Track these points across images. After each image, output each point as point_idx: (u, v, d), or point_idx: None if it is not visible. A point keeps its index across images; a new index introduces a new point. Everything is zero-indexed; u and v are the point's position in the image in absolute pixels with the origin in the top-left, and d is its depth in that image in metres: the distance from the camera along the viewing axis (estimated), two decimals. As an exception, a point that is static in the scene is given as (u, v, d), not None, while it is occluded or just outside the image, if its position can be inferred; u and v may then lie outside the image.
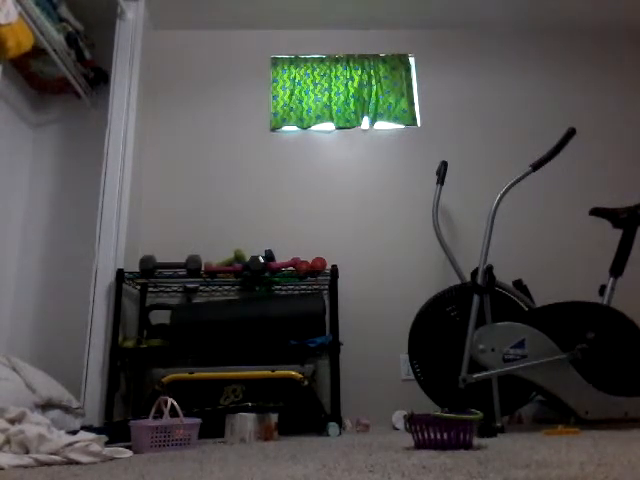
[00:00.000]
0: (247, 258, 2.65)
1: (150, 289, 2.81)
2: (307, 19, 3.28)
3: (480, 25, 3.37)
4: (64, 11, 2.69)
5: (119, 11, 2.93)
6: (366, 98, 3.21)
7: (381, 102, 3.21)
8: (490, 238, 2.25)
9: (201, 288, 2.84)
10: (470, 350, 2.09)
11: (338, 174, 3.11)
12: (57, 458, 1.33)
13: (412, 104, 3.24)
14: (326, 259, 2.68)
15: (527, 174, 2.28)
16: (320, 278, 2.67)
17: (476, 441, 1.65)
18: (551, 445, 1.49)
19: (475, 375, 2.05)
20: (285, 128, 3.19)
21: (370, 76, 3.25)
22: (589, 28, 3.40)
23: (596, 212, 2.37)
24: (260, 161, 3.12)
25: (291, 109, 3.18)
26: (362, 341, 2.84)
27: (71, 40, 2.72)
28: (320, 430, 2.25)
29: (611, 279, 2.25)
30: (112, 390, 2.41)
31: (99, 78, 3.03)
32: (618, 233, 2.29)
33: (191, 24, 3.29)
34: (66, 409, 2.07)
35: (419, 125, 3.22)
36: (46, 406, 1.94)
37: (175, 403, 1.72)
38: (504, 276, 2.45)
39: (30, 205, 2.97)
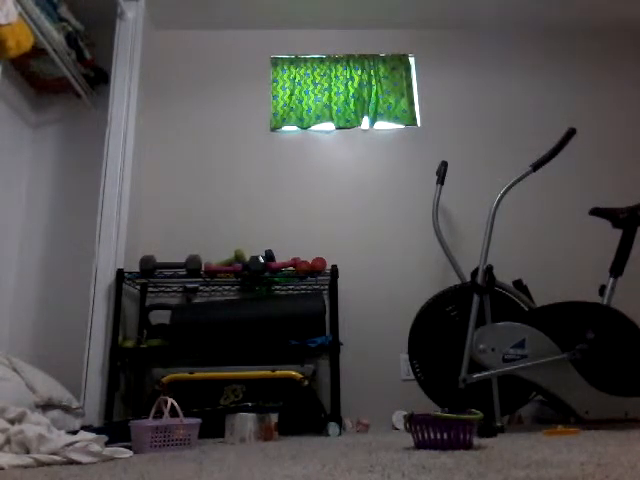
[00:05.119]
0: (247, 258, 2.65)
1: (150, 289, 2.81)
2: (307, 19, 3.28)
3: (480, 25, 3.37)
4: (64, 11, 2.69)
5: (119, 11, 2.93)
6: (366, 98, 3.21)
7: (381, 102, 3.21)
8: (490, 238, 2.25)
9: (201, 288, 2.84)
10: (470, 350, 2.09)
11: (338, 174, 3.11)
12: (57, 458, 1.32)
13: (412, 104, 3.24)
14: (326, 259, 2.68)
15: (527, 174, 2.28)
16: (320, 278, 2.67)
17: (476, 441, 1.65)
18: (551, 445, 1.49)
19: (475, 375, 2.05)
20: (285, 128, 3.19)
21: (370, 76, 3.25)
22: (589, 28, 3.40)
23: (596, 212, 2.37)
24: (260, 161, 3.12)
25: (291, 109, 3.18)
26: (362, 341, 2.84)
27: (71, 40, 2.72)
28: (320, 430, 2.25)
29: (611, 279, 2.25)
30: (112, 390, 2.41)
31: (99, 78, 3.03)
32: (618, 233, 2.29)
33: (191, 24, 3.29)
34: (66, 409, 2.07)
35: (419, 125, 3.22)
36: (46, 406, 1.94)
37: (175, 403, 1.72)
38: (504, 276, 2.45)
39: (30, 205, 2.96)
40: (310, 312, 2.46)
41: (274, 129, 3.18)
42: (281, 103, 3.20)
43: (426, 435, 1.49)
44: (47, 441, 1.36)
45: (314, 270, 2.63)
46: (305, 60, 3.30)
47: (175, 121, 3.17)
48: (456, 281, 2.57)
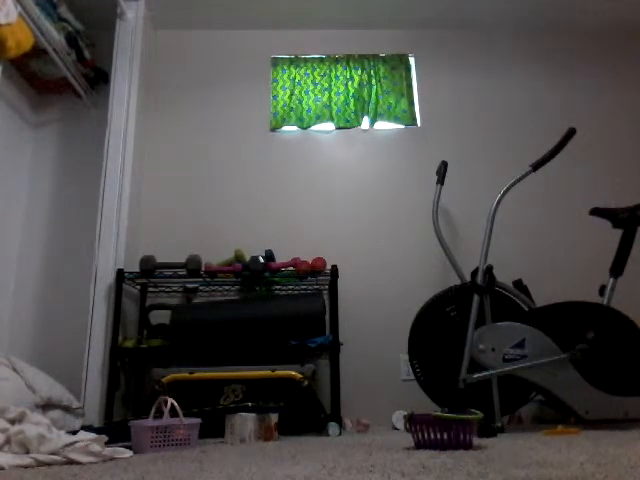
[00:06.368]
0: (247, 258, 2.65)
1: (150, 289, 2.81)
2: (307, 19, 3.28)
3: (480, 25, 3.37)
4: (64, 11, 2.69)
5: (119, 11, 2.93)
6: (366, 98, 3.21)
7: (381, 102, 3.21)
8: (490, 238, 2.25)
9: (201, 288, 2.84)
10: (470, 350, 2.09)
11: (338, 174, 3.11)
12: (57, 458, 1.32)
13: (412, 104, 3.24)
14: (326, 259, 2.68)
15: (527, 174, 2.28)
16: (320, 278, 2.67)
17: (476, 441, 1.65)
18: (551, 445, 1.49)
19: (475, 375, 2.05)
20: (285, 128, 3.19)
21: (370, 76, 3.25)
22: (589, 28, 3.40)
23: (596, 212, 2.37)
24: (260, 161, 3.12)
25: (291, 109, 3.18)
26: (362, 341, 2.84)
27: (71, 40, 2.72)
28: (320, 430, 2.25)
29: (611, 279, 2.25)
30: (112, 390, 2.41)
31: (99, 78, 3.03)
32: (618, 233, 2.29)
33: (191, 24, 3.29)
34: (66, 409, 2.07)
35: (419, 125, 3.22)
36: (46, 406, 1.94)
37: (175, 403, 1.72)
38: (504, 276, 2.45)
39: (30, 205, 2.96)
40: (310, 312, 2.46)
41: (274, 129, 3.18)
42: (281, 103, 3.20)
43: (426, 435, 1.49)
44: (47, 441, 1.36)
45: (314, 270, 2.63)
46: (305, 60, 3.30)
47: (175, 121, 3.17)
48: (456, 281, 2.57)
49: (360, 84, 3.23)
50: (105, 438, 1.48)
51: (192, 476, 1.08)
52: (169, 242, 2.94)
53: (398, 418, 2.45)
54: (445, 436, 1.47)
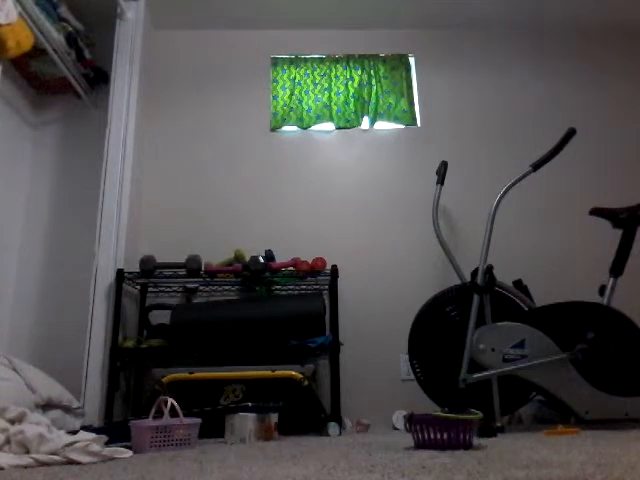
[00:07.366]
0: (247, 258, 2.65)
1: (150, 289, 2.81)
2: (307, 19, 3.28)
3: (480, 25, 3.37)
4: (64, 11, 2.69)
5: (119, 11, 2.93)
6: (366, 98, 3.21)
7: (381, 102, 3.21)
8: (490, 238, 2.25)
9: (201, 288, 2.84)
10: (470, 350, 2.09)
11: (338, 174, 3.11)
12: (57, 458, 1.32)
13: (412, 104, 3.24)
14: (326, 259, 2.68)
15: (527, 174, 2.28)
16: (320, 278, 2.67)
17: (476, 441, 1.65)
18: (551, 445, 1.49)
19: (475, 375, 2.05)
20: (285, 128, 3.19)
21: (370, 76, 3.25)
22: (589, 28, 3.40)
23: (596, 212, 2.37)
24: (260, 161, 3.12)
25: (291, 109, 3.18)
26: (362, 341, 2.84)
27: (71, 40, 2.72)
28: (320, 430, 2.25)
29: (611, 279, 2.25)
30: (112, 390, 2.41)
31: (99, 78, 3.03)
32: (618, 233, 2.29)
33: (191, 24, 3.29)
34: (66, 409, 2.07)
35: (419, 125, 3.22)
36: (46, 406, 1.94)
37: (175, 403, 1.72)
38: (504, 276, 2.45)
39: (30, 205, 2.96)
40: (310, 312, 2.45)
41: (274, 129, 3.18)
42: (281, 103, 3.20)
43: (426, 435, 1.49)
44: (47, 441, 1.36)
45: (314, 270, 2.63)
46: (305, 60, 3.30)
47: (175, 121, 3.17)
48: (456, 281, 2.57)
49: (360, 84, 3.23)
50: (105, 438, 1.48)
51: (192, 476, 1.08)
52: (169, 242, 2.94)
53: (398, 418, 2.45)
54: (445, 436, 1.47)
